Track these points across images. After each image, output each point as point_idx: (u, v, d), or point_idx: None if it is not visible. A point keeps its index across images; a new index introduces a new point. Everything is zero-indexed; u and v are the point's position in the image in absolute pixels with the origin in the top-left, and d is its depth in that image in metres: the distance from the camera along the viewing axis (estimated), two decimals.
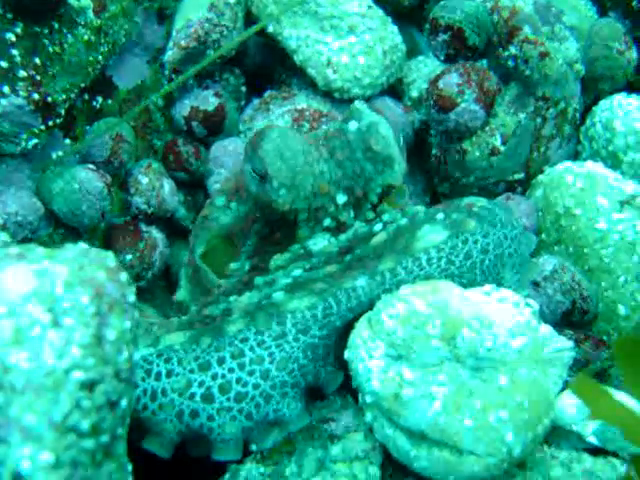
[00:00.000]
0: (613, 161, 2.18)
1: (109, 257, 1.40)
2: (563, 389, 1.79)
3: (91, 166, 2.11)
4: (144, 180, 2.24)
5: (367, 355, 1.56)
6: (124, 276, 1.39)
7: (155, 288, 2.42)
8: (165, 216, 2.30)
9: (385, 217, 1.78)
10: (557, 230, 2.12)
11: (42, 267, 1.32)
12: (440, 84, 2.13)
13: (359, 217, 1.80)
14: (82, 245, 1.42)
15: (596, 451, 1.67)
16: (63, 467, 1.22)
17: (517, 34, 2.14)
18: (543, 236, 2.17)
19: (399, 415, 1.52)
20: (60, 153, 2.10)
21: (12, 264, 1.33)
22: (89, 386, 1.26)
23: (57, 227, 2.12)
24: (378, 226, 1.76)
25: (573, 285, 1.98)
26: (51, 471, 1.21)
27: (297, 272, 1.71)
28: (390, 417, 1.54)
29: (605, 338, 2.00)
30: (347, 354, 1.61)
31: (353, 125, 1.80)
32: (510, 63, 2.17)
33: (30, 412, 1.21)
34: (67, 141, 2.13)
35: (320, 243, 1.75)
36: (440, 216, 1.73)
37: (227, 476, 1.63)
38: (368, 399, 1.56)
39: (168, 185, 2.29)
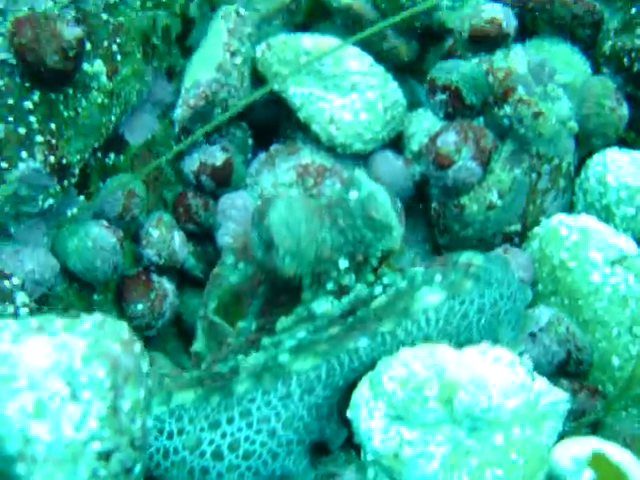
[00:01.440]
0: (606, 214, 2.25)
1: (124, 329, 1.49)
2: (559, 439, 1.86)
3: (104, 222, 2.20)
4: (155, 233, 2.33)
5: (368, 415, 1.64)
6: (138, 347, 1.47)
7: (167, 335, 2.50)
8: (175, 267, 2.38)
9: (385, 280, 1.87)
10: (553, 282, 2.19)
11: (61, 341, 1.41)
12: (438, 142, 2.21)
13: (360, 280, 1.88)
14: (98, 316, 1.50)
15: None
16: None
17: (511, 94, 2.22)
18: (540, 287, 2.25)
19: (399, 473, 1.60)
20: (74, 210, 2.18)
21: (32, 337, 1.42)
22: (105, 456, 1.34)
23: (72, 282, 2.20)
24: (378, 289, 1.84)
25: (568, 336, 2.06)
26: None
27: (301, 334, 1.79)
28: (391, 475, 1.62)
29: (600, 388, 2.07)
30: (349, 413, 1.69)
31: (353, 195, 1.89)
32: (505, 121, 2.26)
33: None
34: (81, 198, 2.20)
35: (323, 306, 1.84)
36: (438, 278, 1.81)
37: None
38: (369, 457, 1.64)
39: (179, 237, 2.38)
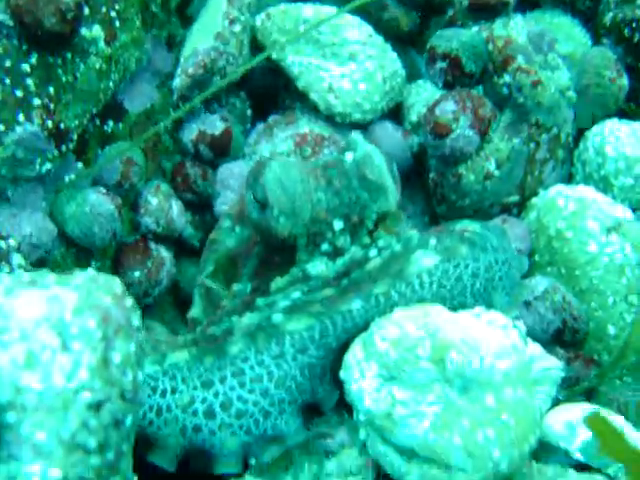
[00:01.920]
0: (605, 184, 2.25)
1: (116, 283, 1.49)
2: (552, 406, 1.87)
3: (102, 189, 2.20)
4: (154, 201, 2.33)
5: (360, 375, 1.64)
6: (129, 301, 1.47)
7: (164, 304, 2.51)
8: (173, 235, 2.39)
9: (380, 243, 1.87)
10: (550, 252, 2.20)
11: (52, 293, 1.41)
12: (436, 111, 2.21)
13: (355, 242, 1.88)
14: (90, 271, 1.51)
15: (582, 467, 1.74)
16: None
17: (511, 63, 2.22)
18: (536, 257, 2.25)
19: (391, 433, 1.60)
20: (72, 176, 2.18)
21: (24, 290, 1.42)
22: (96, 406, 1.34)
23: (70, 247, 2.20)
24: (373, 251, 1.84)
25: (564, 305, 2.06)
26: None
27: (296, 295, 1.79)
28: (382, 434, 1.62)
29: (596, 357, 2.07)
30: (342, 374, 1.69)
31: (349, 156, 1.89)
32: (504, 90, 2.25)
33: (41, 430, 1.29)
34: (79, 164, 2.21)
35: (318, 267, 1.84)
36: (433, 242, 1.81)
37: None
38: (362, 417, 1.64)
39: (176, 206, 2.38)
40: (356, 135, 1.94)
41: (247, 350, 1.70)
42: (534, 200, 2.30)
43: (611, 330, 2.07)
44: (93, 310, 1.40)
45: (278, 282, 1.85)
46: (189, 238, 2.47)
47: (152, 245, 2.33)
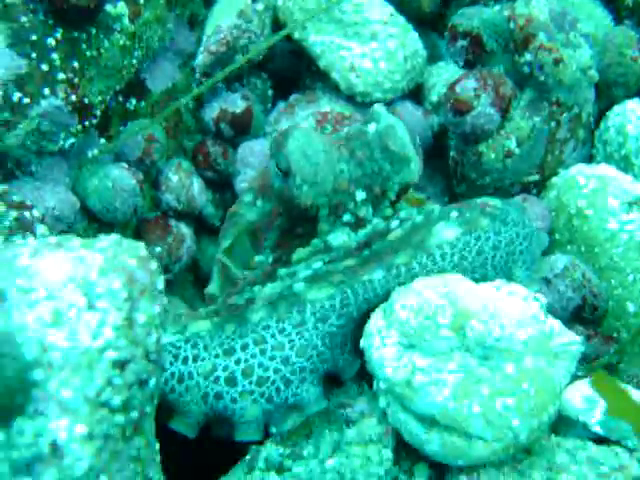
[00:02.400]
0: (625, 164, 2.25)
1: (140, 247, 1.51)
2: (571, 381, 1.87)
3: (124, 164, 2.23)
4: (174, 178, 2.36)
5: (381, 343, 1.65)
6: (154, 265, 1.49)
7: (185, 282, 2.53)
8: (194, 213, 2.41)
9: (402, 214, 1.88)
10: (569, 230, 2.20)
11: (78, 255, 1.43)
12: (457, 88, 2.22)
13: (377, 214, 1.89)
14: (115, 236, 1.53)
15: (601, 440, 1.75)
16: (96, 439, 1.32)
17: (532, 41, 2.22)
18: (556, 236, 2.25)
19: (411, 401, 1.61)
20: (95, 152, 2.20)
21: (51, 251, 1.44)
22: (121, 365, 1.36)
23: (92, 222, 2.23)
24: (395, 223, 1.85)
25: (584, 282, 2.06)
26: (85, 442, 1.31)
27: (317, 265, 1.80)
28: (402, 402, 1.63)
29: (615, 334, 2.07)
30: (362, 342, 1.71)
31: (372, 127, 1.90)
32: (526, 69, 2.26)
33: (67, 387, 1.31)
34: (102, 140, 2.24)
35: (340, 238, 1.85)
36: (454, 214, 1.81)
37: (248, 457, 1.72)
38: (382, 385, 1.65)
39: (197, 183, 2.40)
40: (379, 107, 1.95)
41: (269, 318, 1.72)
42: (554, 179, 2.30)
43: (631, 308, 2.07)
44: (119, 271, 1.42)
45: (300, 252, 1.86)
46: (210, 217, 2.49)
47: (173, 222, 2.36)
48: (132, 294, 1.41)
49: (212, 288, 2.11)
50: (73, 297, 1.36)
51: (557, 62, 2.20)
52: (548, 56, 2.20)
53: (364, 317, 1.74)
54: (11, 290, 1.36)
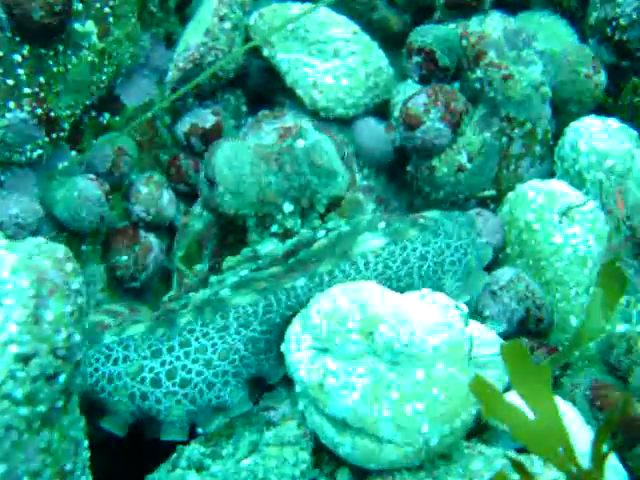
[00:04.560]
0: (579, 180, 2.26)
1: (60, 249, 1.58)
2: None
3: (91, 176, 2.31)
4: (144, 190, 2.44)
5: (296, 347, 1.70)
6: (70, 266, 1.56)
7: (158, 291, 2.60)
8: (164, 224, 2.48)
9: (329, 225, 1.93)
10: (519, 244, 2.22)
11: None
12: (409, 104, 2.26)
13: (306, 225, 1.95)
14: (39, 239, 1.61)
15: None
16: None
17: (483, 58, 2.26)
18: (508, 250, 2.27)
19: (324, 403, 1.65)
20: (65, 164, 2.30)
21: None
22: (24, 359, 1.43)
23: (60, 231, 2.31)
24: (321, 232, 1.91)
25: (527, 294, 2.08)
26: None
27: (244, 272, 1.86)
28: (316, 405, 1.67)
29: (560, 347, 2.08)
30: (282, 347, 1.75)
31: (300, 142, 1.96)
32: (477, 85, 2.29)
33: None
34: (73, 153, 2.33)
35: (267, 247, 1.91)
36: (382, 225, 1.86)
37: (174, 456, 1.78)
38: (298, 388, 1.70)
39: (167, 195, 2.48)
40: (306, 124, 2.02)
41: (194, 322, 1.78)
42: (509, 194, 2.32)
43: (573, 321, 2.07)
44: (29, 270, 1.49)
45: (229, 261, 1.92)
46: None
47: (142, 232, 2.43)
48: (40, 292, 1.48)
49: (167, 296, 2.18)
50: None
51: (506, 78, 2.24)
52: (497, 72, 2.24)
53: (288, 324, 1.78)
54: None
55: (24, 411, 1.43)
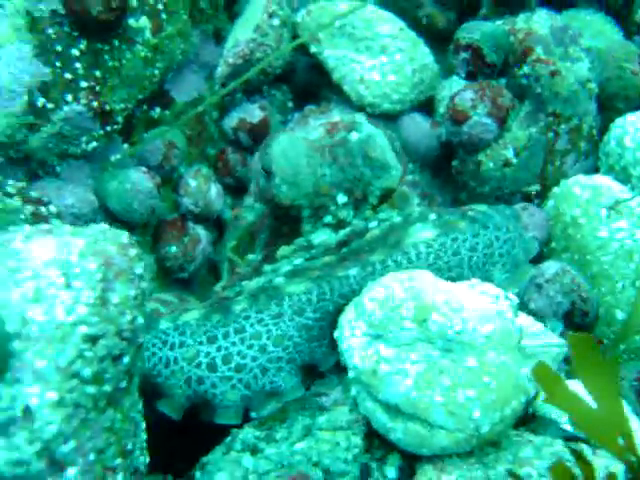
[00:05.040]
0: (625, 175, 2.29)
1: (123, 235, 1.64)
2: None
3: (143, 168, 2.37)
4: (193, 183, 2.49)
5: (350, 334, 1.74)
6: (133, 251, 1.62)
7: (205, 283, 2.65)
8: (212, 216, 2.54)
9: (381, 215, 1.98)
10: (565, 238, 2.25)
11: (64, 240, 1.57)
12: (456, 99, 2.30)
13: (359, 216, 1.99)
14: (103, 225, 1.67)
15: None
16: (66, 406, 1.44)
17: (530, 54, 2.30)
18: (553, 244, 2.30)
19: (377, 389, 1.69)
20: (118, 156, 2.36)
21: (41, 237, 1.58)
22: (92, 339, 1.48)
23: (112, 222, 2.37)
24: (374, 223, 1.95)
25: (573, 287, 2.11)
26: (55, 408, 1.43)
27: (298, 261, 1.91)
28: (369, 391, 1.70)
29: (605, 341, 2.10)
30: (336, 333, 1.80)
31: (354, 135, 2.01)
32: (524, 81, 2.33)
33: (41, 358, 1.43)
34: (125, 146, 2.39)
35: (321, 237, 1.96)
36: (432, 216, 1.90)
37: (228, 439, 1.82)
38: (351, 374, 1.73)
39: (215, 189, 2.53)
40: (360, 117, 2.06)
41: (249, 309, 1.83)
42: (554, 189, 2.36)
43: (619, 315, 2.10)
44: (96, 255, 1.55)
45: (284, 250, 1.97)
46: (228, 221, 2.61)
47: (190, 224, 2.49)
48: (107, 276, 1.54)
49: (219, 285, 2.23)
50: (53, 276, 1.49)
51: (553, 75, 2.27)
52: (544, 68, 2.28)
53: (340, 312, 1.83)
54: (2, 270, 1.50)
55: (91, 390, 1.49)
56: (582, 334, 1.56)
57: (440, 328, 1.66)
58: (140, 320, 1.60)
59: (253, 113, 2.57)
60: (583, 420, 1.54)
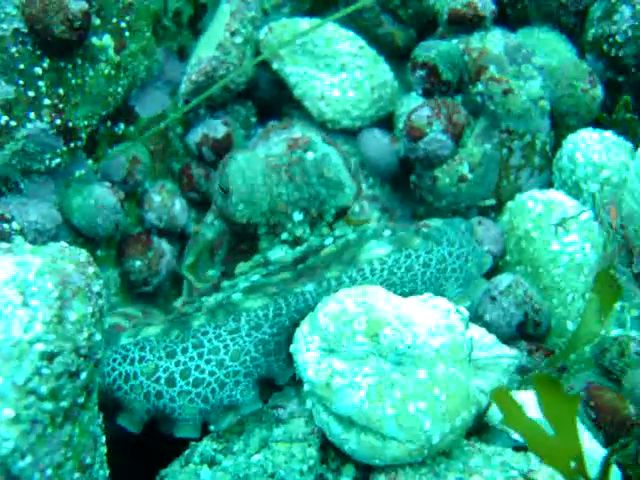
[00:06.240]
0: (577, 190, 2.35)
1: (82, 254, 1.68)
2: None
3: (107, 184, 2.40)
4: (157, 198, 2.53)
5: (305, 348, 1.79)
6: (91, 270, 1.65)
7: (169, 296, 2.69)
8: (176, 231, 2.57)
9: (337, 232, 2.03)
10: (518, 252, 2.31)
11: (22, 259, 1.60)
12: (412, 116, 2.36)
13: (315, 234, 2.04)
14: (62, 243, 1.70)
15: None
16: (22, 422, 1.48)
17: (484, 73, 2.36)
18: (507, 257, 2.36)
19: (330, 402, 1.73)
20: (82, 172, 2.39)
21: (0, 255, 1.61)
22: (49, 357, 1.52)
23: (77, 237, 2.40)
24: (329, 240, 2.01)
25: (525, 299, 2.17)
26: (11, 424, 1.46)
27: (255, 277, 1.96)
28: (324, 403, 1.75)
29: (557, 351, 2.16)
30: (291, 347, 1.84)
31: (310, 155, 2.06)
32: (478, 99, 2.39)
33: None
34: (89, 162, 2.42)
35: (277, 253, 2.01)
36: (387, 233, 1.96)
37: (187, 452, 1.87)
38: (306, 387, 1.78)
39: (179, 203, 2.57)
40: (315, 137, 2.11)
41: (207, 325, 1.87)
42: (509, 204, 2.42)
43: (570, 326, 2.16)
44: (53, 273, 1.58)
45: (241, 266, 2.02)
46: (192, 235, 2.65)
47: (154, 238, 2.52)
48: (64, 294, 1.57)
49: (177, 302, 2.27)
50: (10, 295, 1.53)
51: (506, 93, 2.34)
52: (497, 87, 2.34)
53: (297, 327, 1.87)
54: None
55: (48, 406, 1.52)
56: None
57: (391, 342, 1.71)
58: (98, 337, 1.63)
59: (217, 128, 2.61)
60: (538, 444, 1.61)
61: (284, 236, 2.04)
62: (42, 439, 1.52)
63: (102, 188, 2.37)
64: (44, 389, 1.51)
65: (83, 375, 1.59)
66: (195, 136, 2.63)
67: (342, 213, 2.08)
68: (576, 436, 1.63)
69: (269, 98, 2.78)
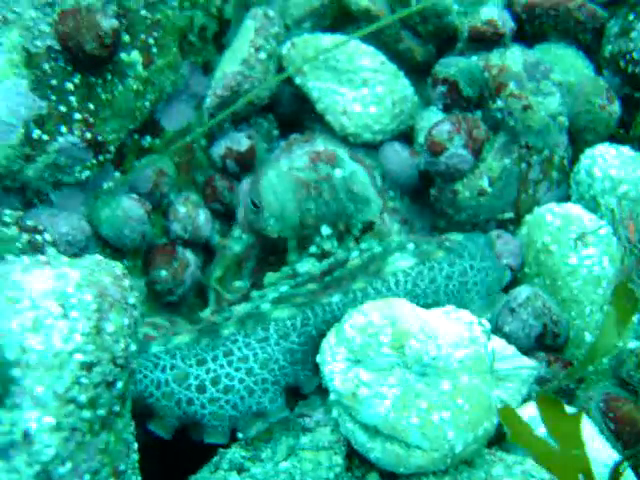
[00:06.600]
0: (594, 204, 2.40)
1: (117, 267, 1.74)
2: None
3: (134, 195, 2.46)
4: (182, 209, 2.59)
5: (332, 358, 1.84)
6: (127, 282, 1.71)
7: (193, 306, 2.74)
8: (200, 241, 2.63)
9: (363, 245, 2.09)
10: (537, 264, 2.36)
11: (61, 271, 1.66)
12: (433, 131, 2.41)
13: (342, 247, 2.11)
14: (97, 256, 1.76)
15: None
16: (63, 430, 1.54)
17: (504, 89, 2.42)
18: (526, 270, 2.41)
19: (356, 411, 1.79)
20: (110, 184, 2.45)
21: (39, 268, 1.67)
22: (88, 366, 1.58)
23: (105, 248, 2.46)
24: (355, 253, 2.07)
25: (544, 310, 2.22)
26: (53, 432, 1.52)
27: (284, 288, 2.02)
28: (350, 413, 1.81)
29: (575, 362, 2.21)
30: (318, 358, 1.90)
31: (338, 172, 2.13)
32: (498, 114, 2.44)
33: (39, 384, 1.53)
34: (117, 174, 2.48)
35: (305, 265, 2.07)
36: (411, 246, 2.01)
37: (215, 458, 1.92)
38: (332, 397, 1.84)
39: (204, 214, 2.63)
40: (343, 154, 2.18)
41: (237, 333, 1.93)
42: (527, 217, 2.47)
43: (588, 337, 2.21)
44: (92, 286, 1.64)
45: (270, 277, 2.09)
46: (216, 245, 2.70)
47: (179, 249, 2.58)
48: (102, 306, 1.63)
49: (205, 312, 2.33)
50: (51, 307, 1.59)
51: (526, 109, 2.39)
52: (517, 103, 2.39)
53: (323, 337, 1.93)
54: (2, 300, 1.59)
55: (87, 414, 1.58)
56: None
57: (416, 354, 1.77)
58: (133, 347, 1.69)
59: (240, 142, 2.67)
60: (546, 460, 1.67)
61: (312, 249, 2.10)
62: (81, 446, 1.58)
63: (130, 200, 2.43)
64: (83, 398, 1.57)
65: (119, 384, 1.65)
66: (219, 149, 2.69)
67: (368, 227, 2.15)
68: (583, 451, 1.69)
69: (291, 112, 2.83)
